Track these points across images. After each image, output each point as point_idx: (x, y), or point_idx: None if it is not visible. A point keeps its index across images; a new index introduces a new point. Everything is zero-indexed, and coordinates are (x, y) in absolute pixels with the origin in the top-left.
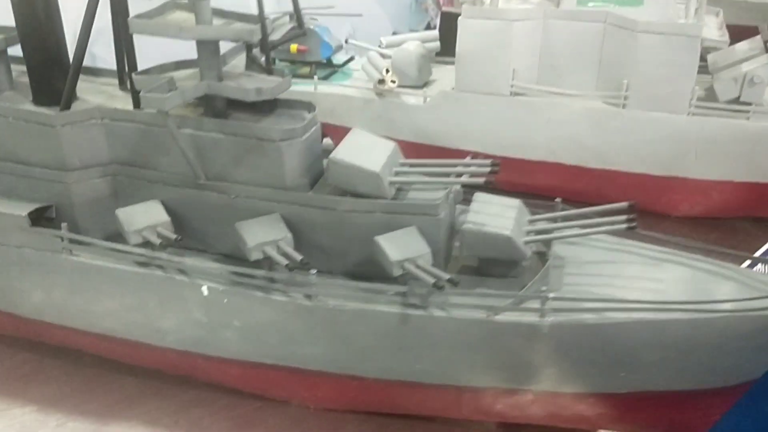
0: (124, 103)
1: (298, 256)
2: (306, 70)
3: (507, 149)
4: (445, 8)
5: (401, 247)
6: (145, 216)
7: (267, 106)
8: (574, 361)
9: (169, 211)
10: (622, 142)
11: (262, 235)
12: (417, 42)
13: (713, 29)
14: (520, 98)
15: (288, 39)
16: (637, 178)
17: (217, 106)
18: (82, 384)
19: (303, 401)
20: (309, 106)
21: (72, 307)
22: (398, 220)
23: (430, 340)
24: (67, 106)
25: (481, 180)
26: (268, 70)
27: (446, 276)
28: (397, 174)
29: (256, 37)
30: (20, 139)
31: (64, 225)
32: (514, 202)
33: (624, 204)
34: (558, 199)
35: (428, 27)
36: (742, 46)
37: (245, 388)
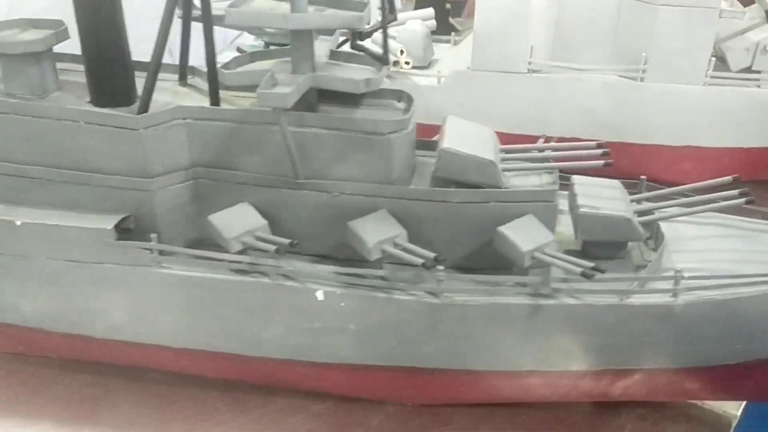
0: (192, 99)
1: (431, 254)
2: None
3: (524, 127)
4: None
5: (527, 236)
6: (241, 221)
7: (354, 97)
8: (696, 337)
9: (260, 213)
10: (638, 114)
11: (379, 233)
12: (419, 21)
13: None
14: (537, 75)
15: (383, 25)
16: (651, 149)
17: (309, 100)
18: (156, 403)
19: (403, 399)
20: (400, 95)
21: (159, 324)
22: (512, 208)
23: (559, 329)
24: (145, 108)
25: (600, 163)
26: (385, 58)
27: (589, 264)
28: (502, 161)
29: (365, 24)
30: (92, 145)
31: (153, 236)
32: (615, 183)
33: (727, 178)
34: (643, 177)
35: None
36: None
37: (346, 392)
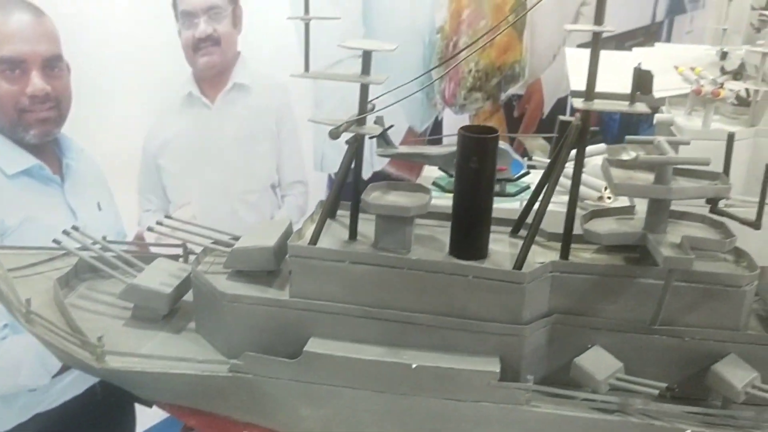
0: (533, 253)
1: None
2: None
3: None
4: (562, 117)
5: None
6: (604, 363)
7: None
8: None
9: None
10: None
11: (743, 376)
12: (601, 157)
13: None
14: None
15: None
16: None
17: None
18: None
19: None
20: None
21: None
22: None
23: None
24: (521, 266)
25: None
26: (757, 224)
27: None
28: None
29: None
30: (476, 296)
31: (530, 378)
32: None
33: None
34: None
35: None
36: None
37: None
